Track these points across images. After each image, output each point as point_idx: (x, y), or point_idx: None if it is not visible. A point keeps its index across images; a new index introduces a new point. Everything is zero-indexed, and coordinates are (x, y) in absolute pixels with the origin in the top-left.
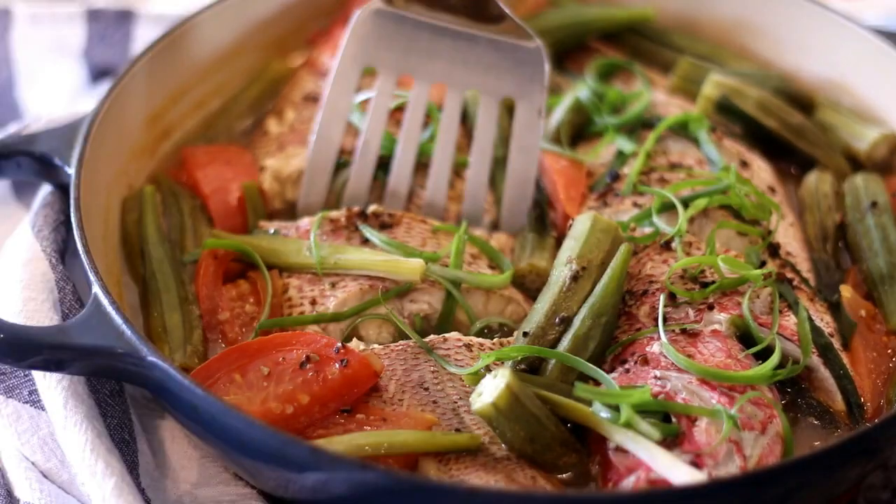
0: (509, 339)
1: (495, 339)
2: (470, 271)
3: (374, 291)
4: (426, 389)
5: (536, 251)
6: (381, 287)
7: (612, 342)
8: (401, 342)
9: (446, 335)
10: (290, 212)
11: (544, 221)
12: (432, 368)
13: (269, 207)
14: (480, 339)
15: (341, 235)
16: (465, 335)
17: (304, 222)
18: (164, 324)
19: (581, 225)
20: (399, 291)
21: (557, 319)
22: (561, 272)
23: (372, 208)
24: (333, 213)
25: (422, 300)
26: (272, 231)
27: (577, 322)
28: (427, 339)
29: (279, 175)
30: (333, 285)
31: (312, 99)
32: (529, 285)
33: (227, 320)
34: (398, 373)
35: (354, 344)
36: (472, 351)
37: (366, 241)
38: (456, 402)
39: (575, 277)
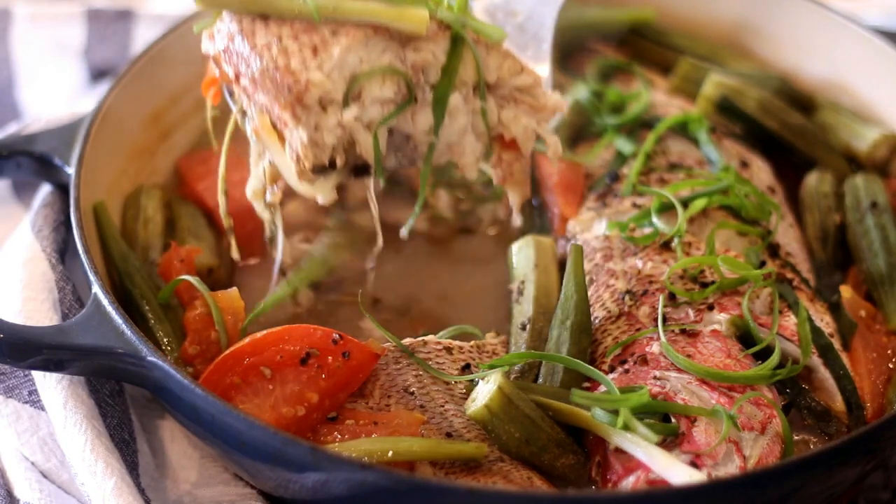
0: (483, 341)
1: (472, 343)
2: (475, 18)
3: (378, 37)
4: (411, 394)
5: None
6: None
7: (594, 344)
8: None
9: (425, 338)
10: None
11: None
12: (415, 372)
13: None
14: (459, 343)
15: None
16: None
17: None
18: (154, 337)
19: (511, 256)
20: (402, 41)
21: (519, 325)
22: (512, 296)
23: None
24: None
25: (426, 49)
26: None
27: (546, 330)
28: (407, 343)
29: None
30: (334, 33)
31: None
32: None
33: (197, 354)
34: (381, 378)
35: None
36: (451, 354)
37: None
38: (443, 407)
39: (520, 292)
